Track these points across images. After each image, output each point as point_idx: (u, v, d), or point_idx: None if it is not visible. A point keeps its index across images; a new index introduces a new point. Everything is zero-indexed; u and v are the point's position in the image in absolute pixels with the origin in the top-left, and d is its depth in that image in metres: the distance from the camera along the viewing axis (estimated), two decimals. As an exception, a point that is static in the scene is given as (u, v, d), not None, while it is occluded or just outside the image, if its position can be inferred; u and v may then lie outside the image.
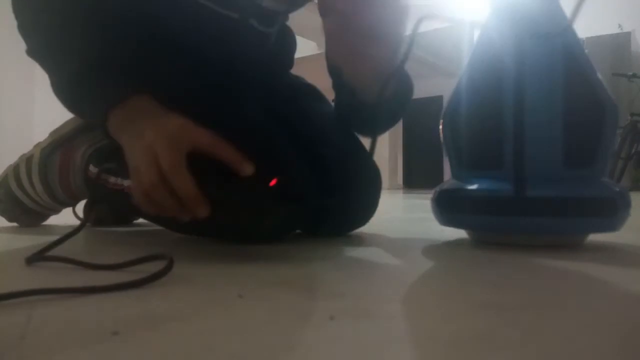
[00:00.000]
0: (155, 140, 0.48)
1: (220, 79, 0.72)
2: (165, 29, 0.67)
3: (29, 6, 0.60)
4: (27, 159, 0.87)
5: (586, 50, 0.62)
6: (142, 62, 0.58)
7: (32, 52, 0.61)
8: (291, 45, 0.86)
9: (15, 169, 0.87)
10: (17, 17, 0.61)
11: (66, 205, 0.90)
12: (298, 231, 0.73)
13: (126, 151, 0.52)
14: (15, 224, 0.90)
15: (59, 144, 0.86)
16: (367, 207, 0.76)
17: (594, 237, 0.69)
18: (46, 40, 0.59)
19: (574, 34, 0.61)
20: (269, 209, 0.46)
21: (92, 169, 0.79)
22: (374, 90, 0.63)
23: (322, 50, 0.66)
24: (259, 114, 0.71)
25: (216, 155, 0.49)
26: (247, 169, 0.48)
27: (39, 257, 0.47)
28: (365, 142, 0.72)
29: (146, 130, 0.49)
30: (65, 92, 0.58)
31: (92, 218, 0.94)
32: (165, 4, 0.67)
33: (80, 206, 0.95)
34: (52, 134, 0.88)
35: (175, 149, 0.48)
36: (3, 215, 0.88)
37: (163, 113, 0.53)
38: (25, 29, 0.60)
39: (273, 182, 0.47)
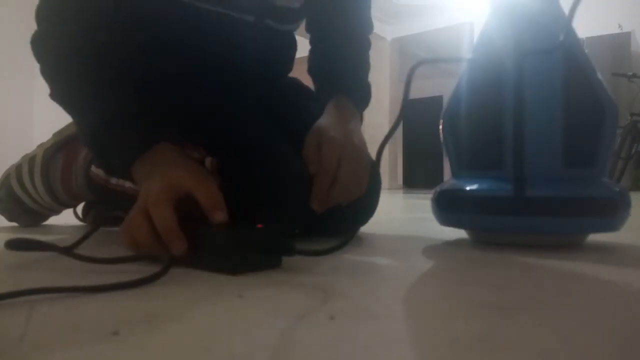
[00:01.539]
0: (156, 182, 0.50)
1: (230, 84, 0.73)
2: (181, 37, 0.68)
3: (49, 54, 0.61)
4: (30, 159, 0.87)
5: (586, 50, 0.62)
6: (163, 110, 0.60)
7: (55, 98, 0.61)
8: (292, 49, 0.86)
9: (17, 168, 0.87)
10: (39, 62, 0.62)
11: (67, 206, 0.90)
12: (297, 231, 0.73)
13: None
14: (15, 224, 0.90)
15: (62, 145, 0.86)
16: (367, 207, 0.76)
17: (594, 237, 0.69)
18: (68, 89, 0.60)
19: (574, 34, 0.61)
20: (234, 258, 0.45)
21: (94, 169, 0.79)
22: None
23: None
24: (266, 129, 0.72)
25: (196, 197, 0.49)
26: (217, 216, 0.48)
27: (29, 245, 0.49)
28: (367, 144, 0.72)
29: (159, 176, 0.51)
30: (90, 141, 0.59)
31: (90, 219, 0.94)
32: (181, 13, 0.67)
33: (81, 207, 0.95)
34: (55, 134, 0.89)
35: (167, 187, 0.49)
36: (3, 215, 0.88)
37: (180, 162, 0.55)
38: (47, 75, 0.61)
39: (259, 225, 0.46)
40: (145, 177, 0.54)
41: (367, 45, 0.85)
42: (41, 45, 0.61)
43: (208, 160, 0.62)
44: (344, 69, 0.79)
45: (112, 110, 0.56)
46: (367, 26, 0.86)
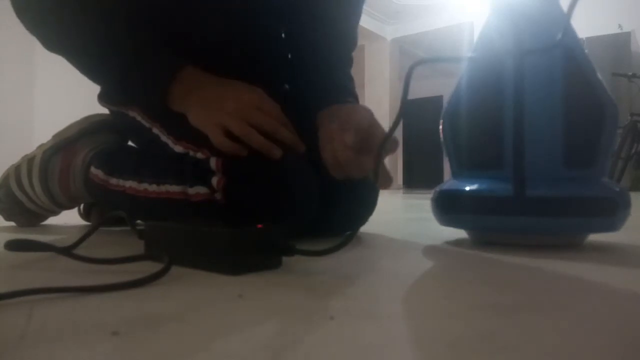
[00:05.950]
0: (232, 90, 0.62)
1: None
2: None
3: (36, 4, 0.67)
4: (29, 160, 0.87)
5: (586, 50, 0.62)
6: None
7: (68, 51, 0.68)
8: None
9: (16, 169, 0.87)
10: (28, 16, 0.67)
11: (64, 207, 0.90)
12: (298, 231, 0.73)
13: (196, 114, 0.63)
14: (13, 224, 0.90)
15: (61, 147, 0.86)
16: (365, 206, 0.76)
17: (594, 237, 0.69)
18: (89, 39, 0.66)
19: (573, 34, 0.61)
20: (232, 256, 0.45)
21: (94, 170, 0.79)
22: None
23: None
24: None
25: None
26: (283, 132, 0.60)
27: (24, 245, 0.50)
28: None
29: (219, 91, 0.62)
30: (119, 75, 0.66)
31: (95, 218, 0.94)
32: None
33: (81, 209, 0.95)
34: (55, 136, 0.89)
35: (253, 89, 0.63)
36: (1, 214, 0.89)
37: (222, 80, 0.65)
38: (48, 30, 0.67)
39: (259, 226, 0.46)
40: (196, 92, 0.63)
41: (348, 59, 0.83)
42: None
43: (213, 160, 0.62)
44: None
45: (133, 44, 0.65)
46: (351, 40, 0.84)
